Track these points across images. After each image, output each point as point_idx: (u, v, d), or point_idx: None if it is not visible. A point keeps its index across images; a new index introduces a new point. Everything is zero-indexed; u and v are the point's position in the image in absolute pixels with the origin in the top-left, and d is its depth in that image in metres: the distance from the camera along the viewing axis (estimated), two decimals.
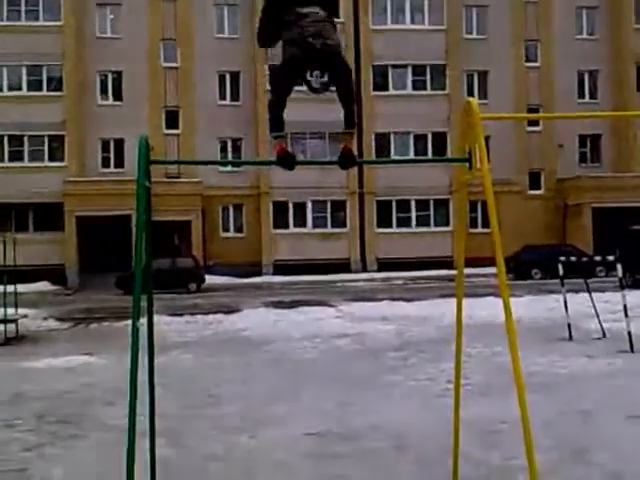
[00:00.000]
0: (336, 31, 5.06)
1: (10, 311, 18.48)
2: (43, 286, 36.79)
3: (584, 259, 18.79)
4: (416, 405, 9.47)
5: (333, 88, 5.03)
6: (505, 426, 7.85)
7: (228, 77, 43.27)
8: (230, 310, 22.43)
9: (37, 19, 41.51)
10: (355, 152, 5.38)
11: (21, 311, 19.36)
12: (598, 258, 18.58)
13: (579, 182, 42.92)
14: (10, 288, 18.37)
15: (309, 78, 4.97)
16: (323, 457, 7.36)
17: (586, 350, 13.38)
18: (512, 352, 4.77)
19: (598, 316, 15.17)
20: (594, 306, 15.33)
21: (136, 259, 5.11)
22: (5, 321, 17.84)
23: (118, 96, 42.46)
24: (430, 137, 43.17)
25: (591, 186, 42.06)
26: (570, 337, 14.75)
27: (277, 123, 5.01)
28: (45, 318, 21.91)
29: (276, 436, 8.15)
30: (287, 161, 5.13)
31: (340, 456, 7.36)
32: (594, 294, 15.93)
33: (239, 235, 43.12)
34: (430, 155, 42.20)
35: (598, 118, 44.72)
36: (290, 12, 4.98)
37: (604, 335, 14.80)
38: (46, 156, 41.74)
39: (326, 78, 4.99)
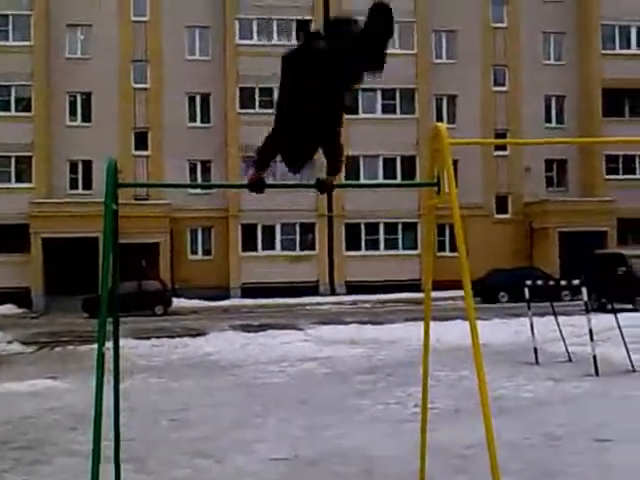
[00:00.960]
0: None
1: None
2: (8, 309, 36.31)
3: (550, 283, 18.90)
4: (384, 429, 9.45)
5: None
6: (472, 450, 7.85)
7: (198, 99, 43.25)
8: (197, 333, 22.30)
9: (7, 39, 41.29)
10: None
11: None
12: (564, 282, 18.70)
13: (545, 206, 43.37)
14: None
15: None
16: None
17: (552, 374, 13.45)
18: (479, 376, 4.80)
19: (564, 340, 15.28)
20: (560, 330, 15.44)
21: (102, 282, 5.08)
22: None
23: (87, 117, 42.21)
24: (399, 161, 43.42)
25: (557, 210, 42.54)
26: (536, 361, 14.82)
27: (264, 165, 5.06)
28: (9, 341, 21.60)
29: (243, 461, 8.08)
30: (257, 185, 5.17)
31: None
32: (560, 318, 16.05)
33: (207, 258, 42.89)
34: (399, 179, 42.45)
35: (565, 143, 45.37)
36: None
37: (570, 359, 14.90)
38: (13, 177, 41.39)
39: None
